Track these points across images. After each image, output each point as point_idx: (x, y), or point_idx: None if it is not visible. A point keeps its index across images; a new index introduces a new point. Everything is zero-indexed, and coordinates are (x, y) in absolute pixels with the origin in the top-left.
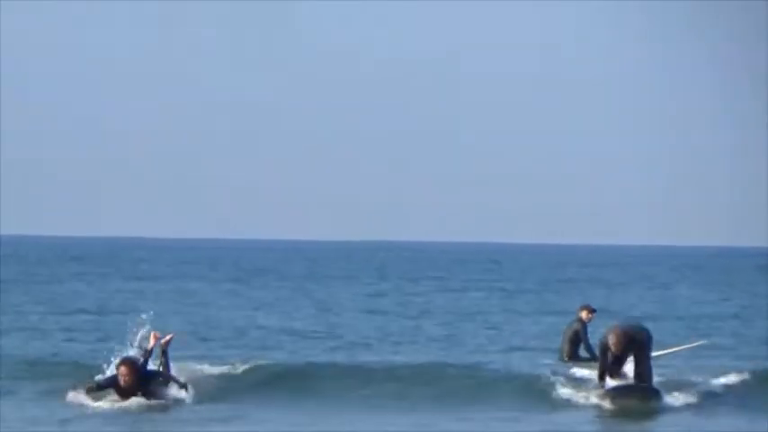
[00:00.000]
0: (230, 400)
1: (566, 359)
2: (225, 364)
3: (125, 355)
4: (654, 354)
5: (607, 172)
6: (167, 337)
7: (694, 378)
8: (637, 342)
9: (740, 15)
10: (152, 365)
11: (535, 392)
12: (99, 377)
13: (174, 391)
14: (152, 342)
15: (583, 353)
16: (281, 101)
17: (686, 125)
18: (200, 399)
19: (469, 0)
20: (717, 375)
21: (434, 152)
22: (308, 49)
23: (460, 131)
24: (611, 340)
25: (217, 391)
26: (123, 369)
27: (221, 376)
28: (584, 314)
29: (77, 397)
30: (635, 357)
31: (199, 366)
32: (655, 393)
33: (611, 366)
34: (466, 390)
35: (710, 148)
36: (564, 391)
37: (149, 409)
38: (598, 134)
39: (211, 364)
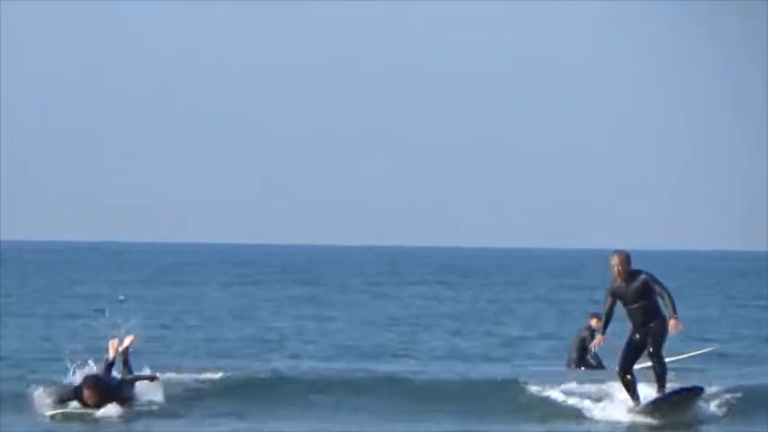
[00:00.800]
0: (228, 406)
1: (573, 366)
2: (226, 371)
3: (88, 373)
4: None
5: (616, 176)
6: (126, 343)
7: (705, 384)
8: (643, 284)
9: (752, 20)
10: (116, 374)
11: (554, 406)
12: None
13: (143, 389)
14: (112, 352)
15: (590, 360)
16: (280, 100)
17: (694, 128)
18: (200, 404)
19: (471, 3)
20: (728, 380)
21: (439, 154)
22: (314, 50)
23: (466, 133)
24: (614, 261)
25: (212, 398)
26: (86, 393)
27: (222, 382)
28: (593, 322)
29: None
30: (643, 305)
31: (202, 372)
32: (699, 390)
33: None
34: (467, 402)
35: (719, 152)
36: (593, 406)
37: (149, 413)
38: (605, 138)
39: (215, 370)
